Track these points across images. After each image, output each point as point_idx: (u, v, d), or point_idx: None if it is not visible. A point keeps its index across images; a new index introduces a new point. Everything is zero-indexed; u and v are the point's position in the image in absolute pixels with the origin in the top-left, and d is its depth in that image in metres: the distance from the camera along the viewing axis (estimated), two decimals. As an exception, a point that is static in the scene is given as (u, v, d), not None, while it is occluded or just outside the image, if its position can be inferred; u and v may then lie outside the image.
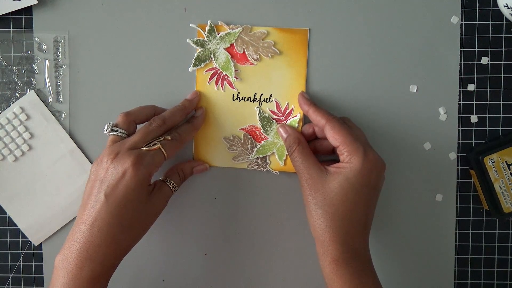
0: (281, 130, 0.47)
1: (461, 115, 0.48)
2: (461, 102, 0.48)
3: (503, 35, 0.47)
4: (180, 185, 0.46)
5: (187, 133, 0.46)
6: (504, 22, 0.47)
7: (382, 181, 0.43)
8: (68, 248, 0.40)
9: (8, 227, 0.50)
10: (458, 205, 0.49)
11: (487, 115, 0.48)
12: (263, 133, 0.48)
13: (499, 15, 0.47)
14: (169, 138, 0.43)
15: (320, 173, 0.42)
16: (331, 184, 0.41)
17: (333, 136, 0.42)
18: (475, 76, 0.48)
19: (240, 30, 0.47)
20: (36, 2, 0.48)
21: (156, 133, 0.43)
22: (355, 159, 0.41)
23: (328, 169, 0.42)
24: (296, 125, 0.48)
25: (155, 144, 0.42)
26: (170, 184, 0.44)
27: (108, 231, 0.40)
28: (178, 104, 0.46)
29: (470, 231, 0.49)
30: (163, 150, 0.42)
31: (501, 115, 0.48)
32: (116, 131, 0.43)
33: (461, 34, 0.47)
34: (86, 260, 0.39)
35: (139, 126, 0.45)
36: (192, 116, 0.48)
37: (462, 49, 0.48)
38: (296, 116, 0.48)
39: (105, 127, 0.43)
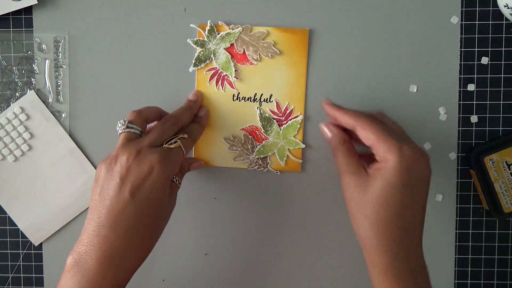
0: (325, 129, 0.44)
1: (461, 115, 0.48)
2: (461, 102, 0.48)
3: (503, 35, 0.47)
4: (181, 179, 0.46)
5: (198, 133, 0.46)
6: (504, 22, 0.47)
7: (427, 175, 0.39)
8: (86, 253, 0.37)
9: (8, 227, 0.50)
10: (458, 205, 0.49)
11: (487, 115, 0.48)
12: (263, 133, 0.48)
13: (499, 15, 0.47)
14: (186, 136, 0.43)
15: (362, 176, 0.39)
16: (371, 187, 0.38)
17: (366, 137, 0.39)
18: (475, 76, 0.48)
19: (240, 30, 0.47)
20: (36, 2, 0.48)
21: (172, 132, 0.43)
22: (391, 158, 0.37)
23: (369, 171, 0.39)
24: (298, 126, 0.48)
25: (176, 142, 0.42)
26: (175, 180, 0.44)
27: (134, 233, 0.38)
28: (183, 105, 0.47)
29: (470, 231, 0.49)
30: (182, 147, 0.42)
31: (501, 115, 0.48)
32: (131, 128, 0.41)
33: (461, 34, 0.47)
34: (111, 267, 0.37)
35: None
36: (196, 116, 0.48)
37: (462, 49, 0.48)
38: (298, 117, 0.48)
39: (119, 124, 0.41)
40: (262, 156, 0.48)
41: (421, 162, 0.38)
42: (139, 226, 0.38)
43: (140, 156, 0.39)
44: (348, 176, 0.40)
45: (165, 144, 0.41)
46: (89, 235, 0.38)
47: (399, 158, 0.37)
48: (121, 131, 0.41)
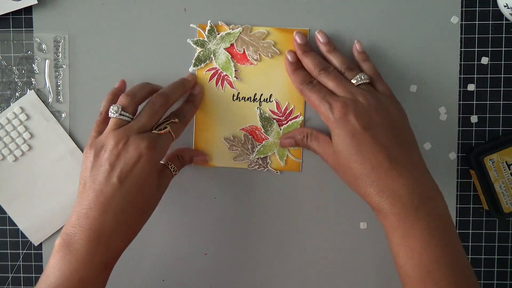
0: (286, 142, 0.47)
1: (461, 115, 0.48)
2: (461, 102, 0.48)
3: (503, 35, 0.47)
4: (180, 170, 0.46)
5: (190, 113, 0.46)
6: (504, 22, 0.47)
7: (371, 108, 0.41)
8: (74, 234, 0.39)
9: (8, 227, 0.50)
10: (458, 205, 0.49)
11: (487, 115, 0.48)
12: (263, 133, 0.48)
13: (499, 15, 0.47)
14: (177, 120, 0.44)
15: (331, 147, 0.42)
16: (336, 148, 0.41)
17: (311, 105, 0.44)
18: (475, 76, 0.48)
19: (240, 30, 0.47)
20: (36, 2, 0.48)
21: (162, 113, 0.43)
22: (329, 119, 0.41)
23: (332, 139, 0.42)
24: (298, 126, 0.48)
25: (165, 127, 0.42)
26: (171, 167, 0.45)
27: (122, 217, 0.39)
28: (176, 82, 0.46)
29: (470, 231, 0.49)
30: (172, 133, 0.43)
31: (501, 115, 0.48)
32: (124, 115, 0.42)
33: (461, 34, 0.47)
34: (99, 247, 0.39)
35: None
36: (190, 94, 0.47)
37: (462, 49, 0.48)
38: (298, 117, 0.48)
39: (112, 110, 0.42)
40: (262, 156, 0.48)
41: (357, 106, 0.41)
42: (127, 210, 0.40)
43: (129, 143, 0.40)
44: (324, 153, 0.43)
45: (155, 129, 0.42)
46: (78, 217, 0.39)
47: (331, 117, 0.41)
48: (113, 116, 0.42)
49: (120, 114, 0.42)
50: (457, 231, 0.49)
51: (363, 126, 0.40)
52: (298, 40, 0.46)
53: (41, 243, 0.50)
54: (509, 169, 0.47)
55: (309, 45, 0.46)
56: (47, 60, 0.49)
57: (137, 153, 0.40)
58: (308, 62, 0.45)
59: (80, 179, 0.41)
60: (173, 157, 0.46)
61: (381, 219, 0.40)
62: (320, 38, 0.46)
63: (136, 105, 0.43)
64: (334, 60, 0.45)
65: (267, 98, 0.48)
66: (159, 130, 0.42)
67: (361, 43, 0.46)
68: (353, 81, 0.43)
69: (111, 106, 0.42)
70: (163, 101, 0.43)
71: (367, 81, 0.43)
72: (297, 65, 0.46)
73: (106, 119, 0.43)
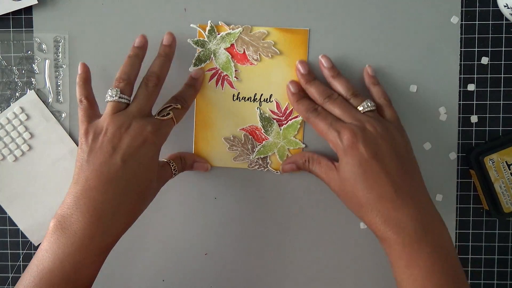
0: (288, 168, 0.47)
1: (461, 115, 0.48)
2: (461, 102, 0.48)
3: (503, 35, 0.47)
4: (180, 172, 0.46)
5: (191, 98, 0.46)
6: (504, 22, 0.47)
7: (377, 137, 0.41)
8: (71, 215, 0.37)
9: (8, 227, 0.50)
10: (458, 205, 0.49)
11: (487, 115, 0.48)
12: (263, 133, 0.48)
13: (499, 15, 0.47)
14: (179, 106, 0.44)
15: (335, 173, 0.42)
16: (343, 175, 0.41)
17: (319, 133, 0.44)
18: (475, 76, 0.48)
19: (241, 30, 0.47)
20: (36, 2, 0.48)
21: (157, 93, 0.43)
22: (334, 147, 0.42)
23: (336, 165, 0.43)
24: (298, 126, 0.48)
25: (168, 113, 0.43)
26: (172, 165, 0.45)
27: (122, 199, 0.39)
28: (159, 53, 0.45)
29: (470, 231, 0.49)
30: (174, 118, 0.43)
31: (501, 115, 0.48)
32: (122, 98, 0.42)
33: (461, 34, 0.47)
34: (97, 230, 0.37)
35: None
36: (190, 77, 0.47)
37: (462, 49, 0.48)
38: (298, 117, 0.48)
39: (111, 93, 0.41)
40: (262, 156, 0.48)
41: (365, 134, 0.41)
42: (128, 192, 0.39)
43: (132, 127, 0.40)
44: (326, 177, 0.44)
45: (158, 115, 0.42)
46: (75, 198, 0.38)
47: (340, 145, 0.41)
48: (111, 100, 0.41)
49: (120, 98, 0.41)
50: (457, 231, 0.49)
51: (371, 154, 0.40)
52: (301, 70, 0.46)
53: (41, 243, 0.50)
54: (509, 169, 0.47)
55: (312, 74, 0.46)
56: (47, 60, 0.49)
57: (142, 137, 0.40)
58: (313, 92, 0.45)
59: (76, 162, 0.40)
60: (175, 158, 0.46)
61: (385, 247, 0.40)
62: (324, 62, 0.46)
63: (132, 86, 0.43)
64: (339, 86, 0.45)
65: (267, 98, 0.48)
66: (162, 116, 0.42)
67: (372, 67, 0.47)
68: (360, 108, 0.43)
69: (109, 90, 0.42)
70: (155, 81, 0.43)
71: (373, 108, 0.43)
72: (299, 95, 0.46)
73: (91, 104, 0.43)
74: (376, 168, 0.40)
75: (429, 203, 0.41)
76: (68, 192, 0.39)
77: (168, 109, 0.43)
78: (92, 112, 0.42)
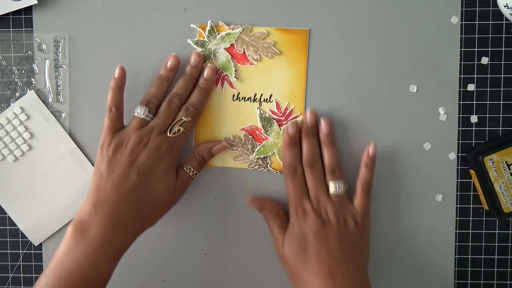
0: (253, 204, 0.47)
1: (461, 115, 0.48)
2: (461, 102, 0.48)
3: (503, 35, 0.47)
4: (201, 170, 0.47)
5: (202, 104, 0.47)
6: (504, 22, 0.47)
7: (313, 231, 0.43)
8: (90, 221, 0.40)
9: (8, 227, 0.50)
10: (458, 205, 0.49)
11: (487, 115, 0.48)
12: (263, 133, 0.48)
13: (499, 15, 0.47)
14: (190, 119, 0.45)
15: (282, 238, 0.45)
16: (285, 252, 0.44)
17: (286, 190, 0.46)
18: (475, 76, 0.48)
19: (241, 31, 0.47)
20: (36, 2, 0.48)
21: (177, 112, 0.45)
22: (292, 216, 0.45)
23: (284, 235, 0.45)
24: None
25: (179, 130, 0.44)
26: (187, 170, 0.46)
27: (137, 210, 0.42)
28: (186, 74, 0.46)
29: (470, 231, 0.49)
30: (186, 131, 0.45)
31: (501, 115, 0.48)
32: (148, 117, 0.44)
33: (461, 34, 0.47)
34: (114, 234, 0.40)
35: None
36: (201, 77, 0.47)
37: (462, 49, 0.48)
38: (298, 117, 0.48)
39: (140, 112, 0.44)
40: (262, 156, 0.48)
41: (321, 223, 0.43)
42: (143, 203, 0.42)
43: (150, 144, 0.43)
44: (275, 243, 0.46)
45: (169, 133, 0.44)
46: (94, 206, 0.41)
47: (294, 216, 0.45)
48: (139, 116, 0.44)
49: (146, 116, 0.44)
50: (457, 231, 0.49)
51: (316, 246, 0.42)
52: (308, 120, 0.46)
53: (41, 243, 0.50)
54: (509, 169, 0.47)
55: (314, 128, 0.46)
56: (47, 60, 0.49)
57: (158, 155, 0.43)
58: (305, 148, 0.46)
59: (95, 171, 0.42)
60: (189, 159, 0.46)
61: None
62: (323, 127, 0.46)
63: (158, 107, 0.45)
64: (326, 155, 0.46)
65: (267, 98, 0.48)
66: (173, 134, 0.44)
67: (375, 148, 0.46)
68: (331, 188, 0.45)
69: (139, 107, 0.44)
70: (178, 102, 0.45)
71: (342, 194, 0.45)
72: (293, 141, 0.46)
73: (119, 115, 0.44)
74: (315, 256, 0.42)
75: None
76: (86, 199, 0.42)
77: (178, 126, 0.44)
78: (118, 124, 0.44)
